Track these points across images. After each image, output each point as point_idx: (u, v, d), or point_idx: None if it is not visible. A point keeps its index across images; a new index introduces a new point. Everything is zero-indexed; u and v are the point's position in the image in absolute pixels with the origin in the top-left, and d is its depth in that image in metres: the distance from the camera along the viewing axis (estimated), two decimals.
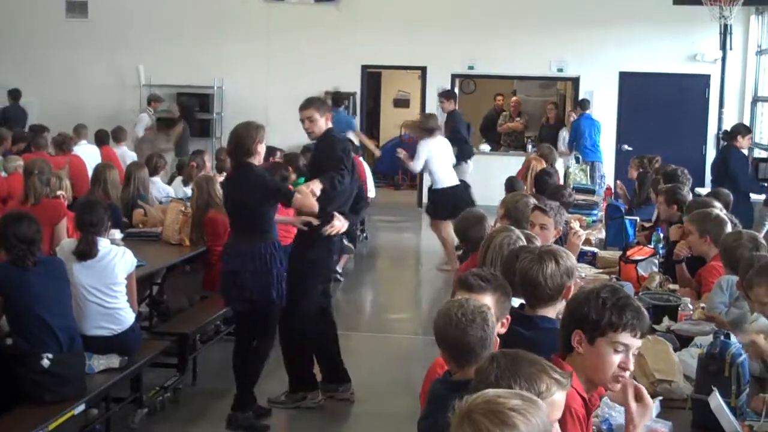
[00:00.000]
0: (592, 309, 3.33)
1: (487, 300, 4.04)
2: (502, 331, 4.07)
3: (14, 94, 19.13)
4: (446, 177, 12.87)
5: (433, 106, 18.75)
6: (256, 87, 20.07)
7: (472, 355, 3.52)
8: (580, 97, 19.12)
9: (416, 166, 12.89)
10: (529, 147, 19.07)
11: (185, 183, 11.61)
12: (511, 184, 10.56)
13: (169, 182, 12.06)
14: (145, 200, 10.36)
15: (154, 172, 11.25)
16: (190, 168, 11.82)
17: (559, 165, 14.71)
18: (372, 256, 15.55)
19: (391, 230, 18.09)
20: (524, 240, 5.34)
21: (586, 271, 7.50)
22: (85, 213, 6.81)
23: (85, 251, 6.68)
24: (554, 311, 4.27)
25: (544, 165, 11.37)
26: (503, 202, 7.11)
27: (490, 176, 17.09)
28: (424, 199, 15.49)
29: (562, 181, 12.24)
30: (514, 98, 21.74)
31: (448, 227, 12.27)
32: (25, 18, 20.78)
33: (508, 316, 4.17)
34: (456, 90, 19.83)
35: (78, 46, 20.63)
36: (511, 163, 17.09)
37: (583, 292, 3.45)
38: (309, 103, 7.54)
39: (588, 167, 15.49)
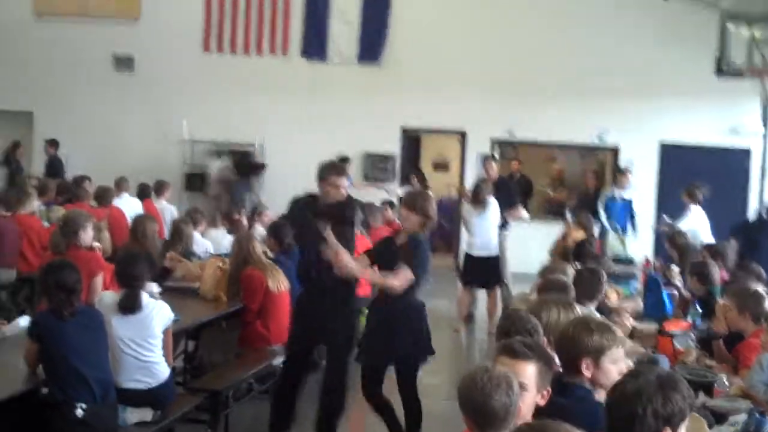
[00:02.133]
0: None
1: (530, 368, 4.00)
2: (542, 403, 4.02)
3: (53, 144, 19.25)
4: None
5: (472, 170, 18.67)
6: (295, 145, 20.04)
7: (496, 421, 3.50)
8: (621, 165, 19.01)
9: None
10: (568, 215, 18.82)
11: (230, 231, 11.67)
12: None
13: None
14: (193, 256, 10.27)
15: (194, 225, 11.21)
16: (238, 221, 11.85)
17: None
18: None
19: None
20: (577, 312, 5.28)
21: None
22: (129, 266, 6.77)
23: (130, 305, 6.63)
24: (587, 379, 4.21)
25: (583, 234, 11.26)
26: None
27: (526, 243, 16.96)
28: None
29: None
30: (556, 167, 21.49)
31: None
32: (73, 69, 20.99)
33: (549, 388, 4.11)
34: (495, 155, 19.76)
35: (123, 100, 20.78)
36: (546, 231, 16.91)
37: (626, 389, 3.19)
38: (343, 171, 7.57)
39: (625, 237, 15.32)
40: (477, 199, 12.90)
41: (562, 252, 10.87)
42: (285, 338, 8.18)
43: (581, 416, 3.45)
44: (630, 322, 7.29)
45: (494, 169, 14.33)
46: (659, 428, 2.95)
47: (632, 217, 16.44)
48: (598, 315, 5.19)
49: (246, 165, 19.07)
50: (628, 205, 16.61)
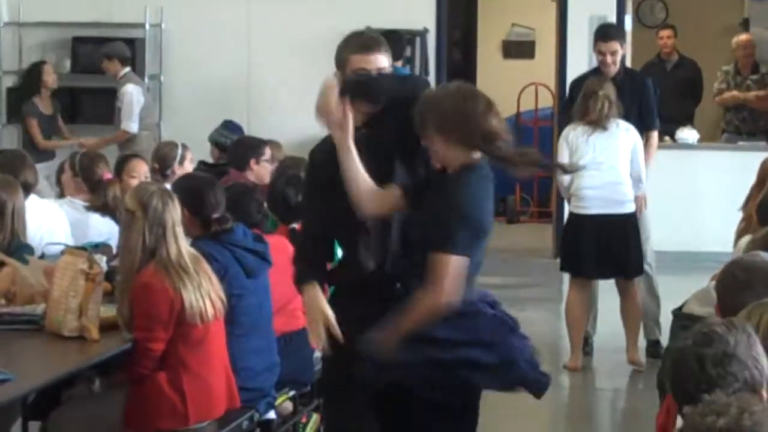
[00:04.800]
0: None
1: None
2: None
3: None
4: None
5: (582, 51, 12.33)
6: (228, 27, 12.86)
7: None
8: None
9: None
10: None
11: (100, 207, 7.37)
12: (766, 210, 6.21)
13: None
14: (27, 252, 6.68)
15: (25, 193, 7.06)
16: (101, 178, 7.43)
17: None
18: None
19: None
20: None
21: None
22: None
23: None
24: None
25: None
26: None
27: (690, 195, 12.02)
28: None
29: None
30: (743, 38, 13.18)
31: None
32: None
33: None
34: (628, 23, 12.68)
35: None
36: (738, 165, 11.13)
37: None
38: (378, 44, 5.09)
39: None
40: (591, 115, 8.52)
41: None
42: (216, 408, 5.75)
43: None
44: None
45: (619, 54, 9.17)
46: None
47: None
48: None
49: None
50: None
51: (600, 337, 9.06)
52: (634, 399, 8.60)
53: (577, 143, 8.49)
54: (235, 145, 8.61)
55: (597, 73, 9.15)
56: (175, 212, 5.53)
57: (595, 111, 8.38)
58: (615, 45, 9.07)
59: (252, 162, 8.18)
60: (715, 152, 12.46)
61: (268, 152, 8.48)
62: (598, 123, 8.41)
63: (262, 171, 8.14)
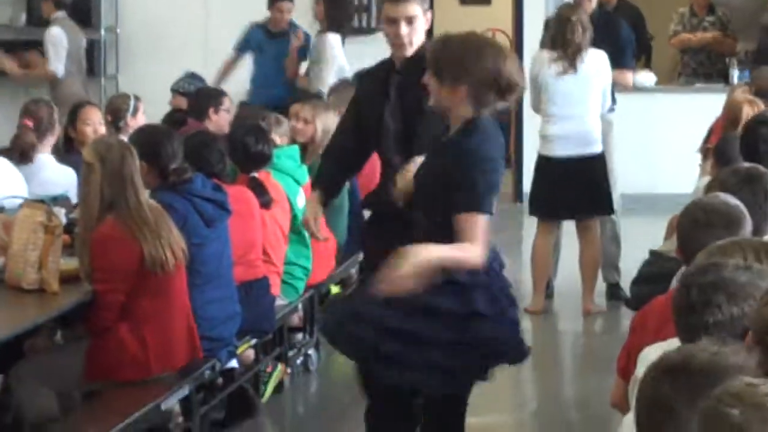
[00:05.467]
0: None
1: None
2: None
3: None
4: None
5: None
6: None
7: None
8: None
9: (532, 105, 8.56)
10: (735, 74, 12.18)
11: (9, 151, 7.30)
12: (724, 151, 6.21)
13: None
14: None
15: None
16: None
17: None
18: None
19: None
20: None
21: None
22: None
23: None
24: None
25: (751, 107, 7.09)
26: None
27: (652, 134, 11.86)
28: (527, 186, 10.06)
29: None
30: None
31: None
32: None
33: None
34: None
35: None
36: (695, 107, 11.17)
37: None
38: None
39: None
40: (563, 48, 8.21)
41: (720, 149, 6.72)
42: (178, 358, 5.76)
43: None
44: None
45: None
46: None
47: None
48: None
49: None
50: None
51: (560, 281, 9.06)
52: (594, 341, 8.62)
53: (546, 83, 8.28)
54: (194, 95, 8.54)
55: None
56: (133, 164, 5.53)
57: (572, 42, 8.10)
58: None
59: (211, 111, 8.12)
60: (672, 95, 12.33)
61: (227, 102, 8.41)
62: (572, 59, 8.12)
63: (221, 120, 8.07)
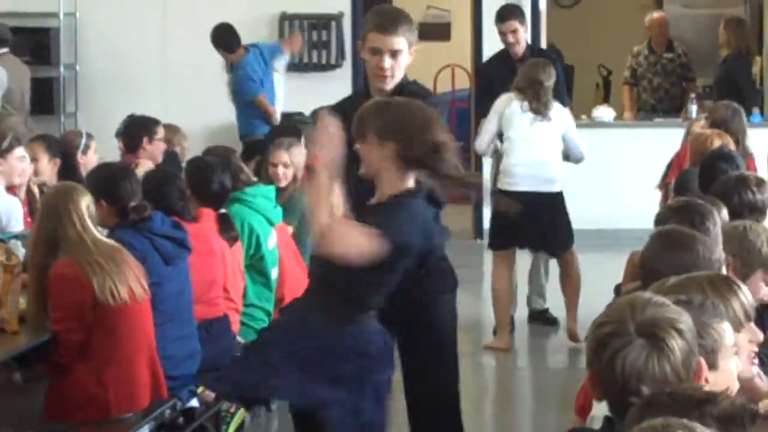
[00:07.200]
0: None
1: None
2: None
3: None
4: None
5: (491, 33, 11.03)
6: (143, 16, 12.57)
7: None
8: None
9: (479, 144, 8.69)
10: (693, 110, 11.81)
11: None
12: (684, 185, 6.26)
13: None
14: None
15: None
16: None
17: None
18: None
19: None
20: None
21: None
22: None
23: None
24: None
25: (722, 140, 7.08)
26: None
27: (611, 169, 11.75)
28: (486, 223, 10.17)
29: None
30: (657, 15, 12.95)
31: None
32: None
33: None
34: (543, 4, 12.68)
35: None
36: (654, 142, 11.21)
37: None
38: (396, 26, 5.20)
39: None
40: (536, 105, 8.39)
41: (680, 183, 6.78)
42: (142, 398, 5.64)
43: None
44: None
45: (521, 32, 9.32)
46: None
47: None
48: None
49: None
50: None
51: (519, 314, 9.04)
52: (556, 377, 8.58)
53: (511, 119, 8.42)
54: (126, 126, 8.24)
55: (504, 54, 9.21)
56: (73, 202, 5.55)
57: (544, 104, 8.33)
58: (514, 24, 9.14)
59: (145, 141, 7.94)
60: (631, 129, 12.37)
61: (161, 131, 8.22)
62: (543, 114, 8.34)
63: (155, 150, 7.81)
